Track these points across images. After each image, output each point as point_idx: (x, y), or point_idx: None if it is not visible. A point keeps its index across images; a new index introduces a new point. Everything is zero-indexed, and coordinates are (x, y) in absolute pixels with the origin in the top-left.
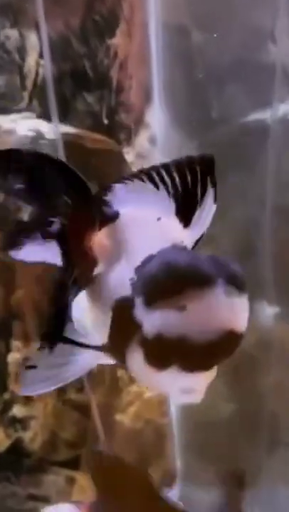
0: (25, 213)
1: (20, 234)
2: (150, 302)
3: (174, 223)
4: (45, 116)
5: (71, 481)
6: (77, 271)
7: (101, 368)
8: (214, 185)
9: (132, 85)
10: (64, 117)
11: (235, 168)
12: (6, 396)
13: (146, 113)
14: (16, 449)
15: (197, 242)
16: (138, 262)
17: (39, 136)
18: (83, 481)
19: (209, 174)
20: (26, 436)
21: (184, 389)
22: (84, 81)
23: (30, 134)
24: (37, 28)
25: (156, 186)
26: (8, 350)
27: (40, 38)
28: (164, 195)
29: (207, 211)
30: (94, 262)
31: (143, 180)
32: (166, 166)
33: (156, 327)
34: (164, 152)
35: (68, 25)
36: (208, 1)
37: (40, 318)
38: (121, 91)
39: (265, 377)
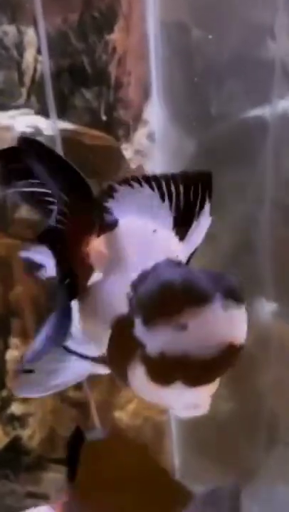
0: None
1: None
2: (150, 322)
3: (169, 236)
4: (43, 112)
5: None
6: (71, 276)
7: None
8: (210, 200)
9: (130, 81)
10: (62, 113)
11: (234, 164)
12: (4, 393)
13: (144, 109)
14: (15, 447)
15: (191, 255)
16: (134, 276)
17: (37, 132)
18: None
19: (207, 189)
20: (25, 433)
21: (188, 404)
22: (82, 77)
23: (29, 130)
24: (35, 24)
25: (161, 197)
26: (6, 347)
27: (38, 34)
28: (165, 207)
29: (202, 225)
30: (90, 270)
31: (143, 186)
32: (166, 177)
33: (158, 347)
34: (163, 149)
35: (66, 21)
36: None
37: (38, 315)
38: (119, 87)
39: (263, 375)
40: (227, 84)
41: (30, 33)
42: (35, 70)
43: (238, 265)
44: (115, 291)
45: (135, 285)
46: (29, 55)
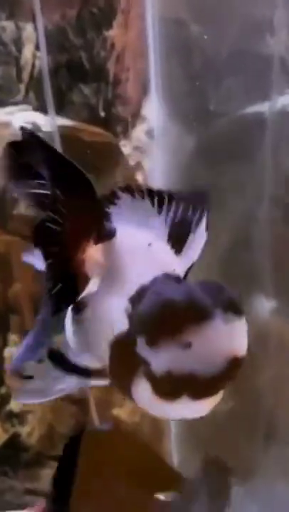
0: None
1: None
2: (153, 341)
3: (165, 249)
4: (41, 108)
5: None
6: (63, 284)
7: None
8: (208, 216)
9: (129, 77)
10: (60, 110)
11: (233, 160)
12: (3, 390)
13: (143, 105)
14: (14, 444)
15: (188, 270)
16: (132, 291)
17: (36, 128)
18: None
19: (204, 208)
20: (24, 430)
21: (192, 414)
22: (80, 73)
23: (27, 126)
24: (33, 19)
25: (156, 208)
26: (5, 344)
27: (36, 30)
28: (161, 220)
29: (199, 239)
30: (85, 278)
31: (144, 198)
32: (165, 192)
33: (164, 366)
34: (161, 145)
35: (65, 17)
36: None
37: (37, 312)
38: (118, 83)
39: (263, 373)
40: (226, 80)
41: (28, 29)
42: (33, 65)
43: (237, 263)
44: (113, 305)
45: (134, 301)
46: (27, 51)
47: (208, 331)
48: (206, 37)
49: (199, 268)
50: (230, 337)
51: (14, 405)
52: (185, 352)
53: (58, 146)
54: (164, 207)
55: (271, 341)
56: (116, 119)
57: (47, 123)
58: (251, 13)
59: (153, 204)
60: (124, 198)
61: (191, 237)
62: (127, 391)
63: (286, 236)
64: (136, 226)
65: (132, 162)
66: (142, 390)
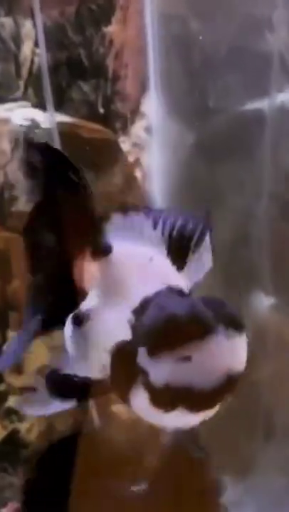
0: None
1: None
2: (154, 353)
3: (166, 263)
4: (40, 105)
5: None
6: (60, 299)
7: None
8: (211, 236)
9: (127, 74)
10: (59, 106)
11: (232, 157)
12: (2, 387)
13: (142, 102)
14: (13, 440)
15: (192, 290)
16: (135, 303)
17: (34, 125)
18: None
19: (206, 224)
20: (23, 427)
21: (187, 424)
22: (79, 70)
23: (26, 123)
24: (32, 16)
25: (152, 224)
26: (4, 340)
27: (35, 27)
28: (158, 235)
29: (203, 259)
30: (83, 292)
31: (141, 215)
32: (165, 211)
33: (163, 377)
34: (161, 141)
35: (64, 13)
36: None
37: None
38: (117, 80)
39: (261, 369)
40: (225, 77)
41: (27, 26)
42: (32, 62)
43: (235, 259)
44: (115, 317)
45: (137, 312)
46: (26, 48)
47: (208, 345)
48: (201, 37)
49: None
50: (230, 353)
51: (13, 402)
52: (184, 365)
53: (56, 143)
54: (160, 222)
55: (270, 338)
56: (115, 116)
57: (46, 119)
58: (251, 11)
59: (148, 220)
60: (119, 216)
61: (191, 255)
62: (125, 399)
63: (285, 233)
64: (134, 242)
65: (131, 158)
66: (140, 399)
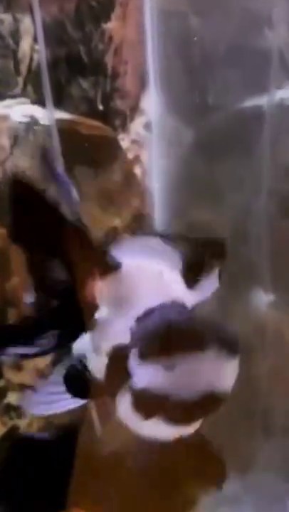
0: None
1: None
2: (143, 356)
3: (175, 279)
4: (39, 101)
5: None
6: (72, 323)
7: None
8: (221, 263)
9: (127, 71)
10: (58, 103)
11: (231, 154)
12: (1, 384)
13: (141, 99)
14: (12, 437)
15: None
16: (140, 312)
17: (34, 122)
18: None
19: (222, 253)
20: (22, 423)
21: (166, 437)
22: (79, 66)
23: (25, 119)
24: (31, 12)
25: (163, 243)
26: None
27: (34, 23)
28: (173, 252)
29: (213, 280)
30: (94, 308)
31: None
32: (180, 236)
33: (144, 381)
34: (160, 138)
35: (63, 9)
36: None
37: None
38: (116, 76)
39: (259, 365)
40: (224, 73)
41: (26, 22)
42: (31, 59)
43: (234, 256)
44: (120, 325)
45: (140, 320)
46: (25, 44)
47: (195, 360)
48: (195, 38)
49: None
50: (216, 372)
51: (12, 398)
52: (166, 373)
53: (56, 140)
54: (171, 244)
55: (269, 335)
56: (114, 113)
57: (45, 116)
58: (250, 8)
59: (160, 239)
60: (126, 237)
61: (204, 277)
62: (115, 401)
63: (284, 230)
64: (143, 258)
65: (130, 155)
66: (124, 402)
